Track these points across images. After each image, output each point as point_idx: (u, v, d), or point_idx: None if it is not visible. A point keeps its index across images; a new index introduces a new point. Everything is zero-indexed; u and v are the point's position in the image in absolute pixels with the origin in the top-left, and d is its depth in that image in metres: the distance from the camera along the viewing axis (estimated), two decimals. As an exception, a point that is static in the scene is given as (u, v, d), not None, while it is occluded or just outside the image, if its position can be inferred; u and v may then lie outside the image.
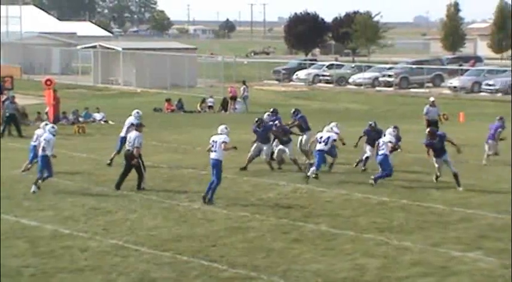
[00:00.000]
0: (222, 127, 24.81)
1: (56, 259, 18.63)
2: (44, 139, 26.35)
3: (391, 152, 27.14)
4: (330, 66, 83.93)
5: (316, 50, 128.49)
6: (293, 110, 32.67)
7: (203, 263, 18.17)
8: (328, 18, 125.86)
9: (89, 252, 19.18)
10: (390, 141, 27.03)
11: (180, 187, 26.99)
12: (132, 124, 29.68)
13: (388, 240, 20.06)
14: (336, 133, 29.71)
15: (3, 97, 44.33)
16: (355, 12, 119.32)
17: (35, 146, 28.81)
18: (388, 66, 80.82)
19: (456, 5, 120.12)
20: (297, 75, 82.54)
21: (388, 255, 18.74)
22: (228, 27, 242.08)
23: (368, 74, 77.42)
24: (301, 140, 31.37)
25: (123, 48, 78.19)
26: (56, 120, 44.02)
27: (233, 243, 19.97)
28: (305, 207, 23.77)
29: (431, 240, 20.04)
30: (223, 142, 24.22)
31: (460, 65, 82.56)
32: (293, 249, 19.33)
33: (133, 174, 26.76)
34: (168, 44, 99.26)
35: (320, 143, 28.09)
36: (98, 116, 48.02)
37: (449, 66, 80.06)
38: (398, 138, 28.84)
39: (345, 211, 23.33)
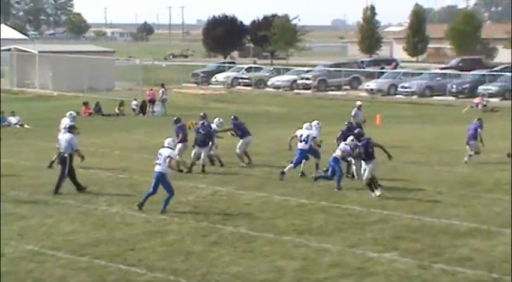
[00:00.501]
0: (168, 140, 24.22)
1: (-30, 265, 18.36)
2: None
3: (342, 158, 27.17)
4: (248, 69, 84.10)
5: (235, 53, 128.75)
6: (232, 116, 32.85)
7: (121, 268, 18.06)
8: (247, 21, 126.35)
9: (3, 258, 18.91)
10: (342, 150, 26.86)
11: (98, 191, 26.76)
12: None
13: (307, 242, 20.16)
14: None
15: None
16: (273, 16, 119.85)
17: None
18: (306, 69, 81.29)
19: (372, 8, 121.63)
20: (215, 78, 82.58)
21: (307, 257, 18.83)
22: (146, 30, 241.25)
23: (286, 77, 77.78)
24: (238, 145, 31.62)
25: (39, 51, 77.41)
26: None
27: (152, 246, 19.89)
28: (224, 210, 23.77)
29: (349, 241, 20.20)
30: (168, 156, 23.49)
31: (382, 68, 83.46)
32: (212, 252, 19.31)
33: (54, 178, 26.56)
34: (85, 47, 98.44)
35: (301, 141, 28.58)
36: (13, 119, 47.47)
37: (366, 69, 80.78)
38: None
39: (263, 213, 23.37)
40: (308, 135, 28.62)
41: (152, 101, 57.20)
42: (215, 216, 22.95)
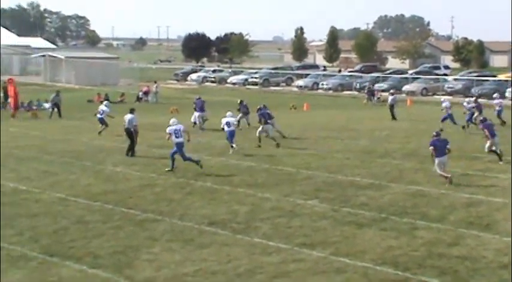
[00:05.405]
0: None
1: (16, 207, 18.26)
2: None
3: None
4: (214, 71, 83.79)
5: (204, 59, 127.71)
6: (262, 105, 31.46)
7: (123, 210, 18.03)
8: (213, 37, 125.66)
9: (40, 202, 18.84)
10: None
11: (106, 156, 26.59)
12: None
13: (254, 192, 20.20)
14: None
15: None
16: (231, 33, 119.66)
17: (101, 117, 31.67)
18: (254, 71, 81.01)
19: (301, 29, 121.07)
20: (190, 77, 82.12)
21: (254, 203, 18.89)
22: (141, 42, 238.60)
23: (241, 76, 77.57)
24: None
25: (65, 57, 76.54)
26: (16, 108, 43.08)
27: (144, 195, 19.85)
28: (196, 170, 23.67)
29: (284, 192, 20.26)
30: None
31: (339, 71, 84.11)
32: (187, 200, 19.32)
33: (76, 146, 26.21)
34: (98, 54, 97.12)
35: (228, 126, 27.47)
36: (46, 105, 46.85)
37: (297, 71, 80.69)
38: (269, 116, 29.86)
39: (223, 172, 23.38)
40: (228, 121, 27.27)
41: (147, 93, 56.77)
42: (190, 174, 22.92)
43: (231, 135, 27.42)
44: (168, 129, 23.60)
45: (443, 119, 34.34)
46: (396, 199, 19.35)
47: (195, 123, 34.76)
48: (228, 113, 28.17)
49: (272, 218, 17.30)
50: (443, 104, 35.59)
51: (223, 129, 27.81)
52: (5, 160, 25.36)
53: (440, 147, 21.11)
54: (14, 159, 25.60)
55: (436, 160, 21.21)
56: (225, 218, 17.30)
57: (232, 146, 27.34)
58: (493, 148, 25.09)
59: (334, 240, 15.38)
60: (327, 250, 14.62)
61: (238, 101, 35.93)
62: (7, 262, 13.87)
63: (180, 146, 23.35)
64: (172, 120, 24.01)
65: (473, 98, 38.21)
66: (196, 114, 35.03)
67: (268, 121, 29.82)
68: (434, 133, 21.80)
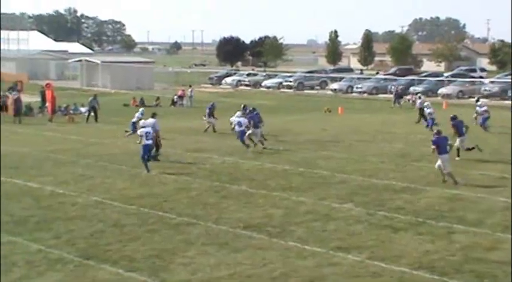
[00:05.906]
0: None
1: (53, 211, 18.39)
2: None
3: None
4: (248, 74, 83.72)
5: (239, 63, 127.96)
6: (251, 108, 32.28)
7: (159, 213, 18.08)
8: (247, 41, 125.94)
9: (77, 206, 18.96)
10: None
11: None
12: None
13: (289, 196, 20.13)
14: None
15: (15, 95, 43.92)
16: (265, 37, 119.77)
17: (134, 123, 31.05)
18: (289, 74, 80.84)
19: (336, 32, 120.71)
20: (225, 80, 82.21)
21: (289, 207, 18.82)
22: (176, 46, 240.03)
23: (275, 80, 77.40)
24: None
25: (102, 61, 77.12)
26: (53, 112, 43.54)
27: (180, 199, 19.88)
28: (231, 174, 23.73)
29: (319, 196, 20.17)
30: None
31: (377, 73, 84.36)
32: (222, 203, 19.31)
33: (113, 149, 26.36)
34: (134, 58, 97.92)
35: (240, 126, 28.57)
36: (83, 109, 47.21)
37: (331, 75, 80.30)
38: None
39: (258, 176, 23.33)
40: (240, 121, 28.62)
41: (181, 97, 56.80)
42: (224, 178, 22.93)
43: (243, 135, 28.42)
44: (139, 131, 24.41)
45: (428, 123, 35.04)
46: (432, 203, 19.16)
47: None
48: (238, 113, 29.05)
49: (307, 221, 17.22)
50: (428, 110, 36.20)
51: (233, 129, 28.21)
52: (43, 164, 25.63)
53: (442, 145, 21.87)
54: (51, 163, 25.82)
55: (439, 157, 21.91)
56: (260, 221, 17.25)
57: (248, 146, 28.27)
58: (464, 145, 26.19)
59: (370, 244, 15.26)
60: (363, 254, 14.51)
61: (242, 106, 35.04)
62: (45, 265, 13.99)
63: (148, 147, 24.06)
64: (142, 122, 24.56)
65: (476, 98, 39.14)
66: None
67: (258, 125, 29.68)
68: (436, 131, 22.86)
